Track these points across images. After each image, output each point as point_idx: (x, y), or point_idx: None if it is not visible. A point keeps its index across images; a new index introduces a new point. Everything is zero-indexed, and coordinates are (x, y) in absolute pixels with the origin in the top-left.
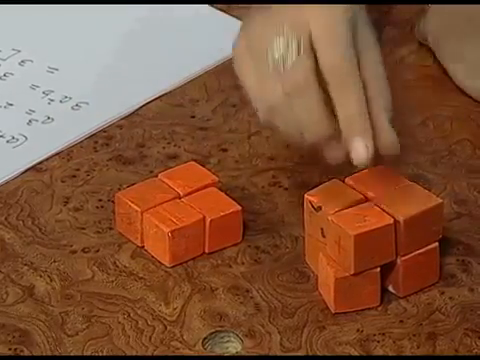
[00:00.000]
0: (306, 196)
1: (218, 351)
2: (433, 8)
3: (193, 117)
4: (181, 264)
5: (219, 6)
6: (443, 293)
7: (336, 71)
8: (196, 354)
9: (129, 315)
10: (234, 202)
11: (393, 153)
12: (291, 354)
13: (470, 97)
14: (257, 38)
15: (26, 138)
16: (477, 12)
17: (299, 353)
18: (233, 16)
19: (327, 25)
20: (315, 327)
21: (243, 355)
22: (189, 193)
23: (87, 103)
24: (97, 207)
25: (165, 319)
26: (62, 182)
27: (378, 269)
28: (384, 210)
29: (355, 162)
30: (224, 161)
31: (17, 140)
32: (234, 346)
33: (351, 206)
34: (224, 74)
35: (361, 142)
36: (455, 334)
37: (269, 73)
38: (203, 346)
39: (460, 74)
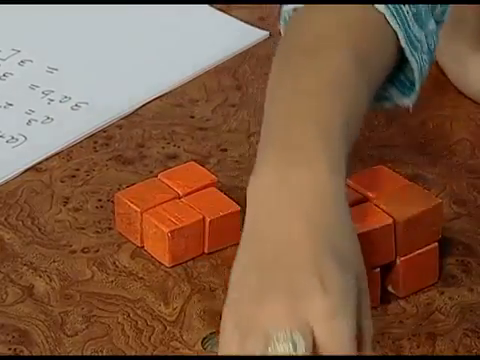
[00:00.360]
0: None
1: (217, 351)
2: None
3: (193, 117)
4: (181, 264)
5: (219, 6)
6: (443, 293)
7: None
8: (196, 354)
9: (129, 315)
10: (233, 202)
11: None
12: None
13: (468, 98)
14: (255, 328)
15: (26, 138)
16: (475, 13)
17: None
18: (233, 16)
19: (330, 333)
20: None
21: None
22: (189, 193)
23: (87, 103)
24: (97, 207)
25: (165, 319)
26: (62, 182)
27: (378, 269)
28: (383, 210)
29: None
30: (224, 161)
31: (17, 140)
32: None
33: (350, 206)
34: (224, 74)
35: None
36: (455, 334)
37: None
38: (203, 346)
39: (458, 75)
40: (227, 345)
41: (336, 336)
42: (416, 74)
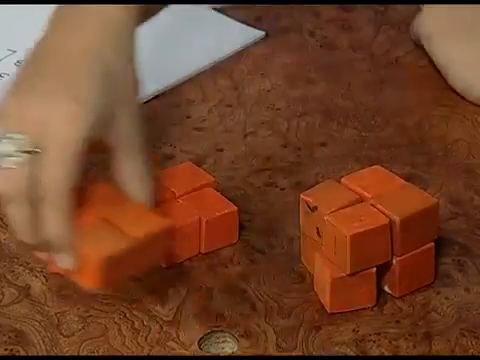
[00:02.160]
0: (302, 196)
1: (214, 351)
2: (426, 9)
3: (189, 117)
4: (177, 264)
5: (214, 6)
6: (439, 293)
7: (52, 190)
8: (192, 354)
9: (125, 315)
10: (230, 202)
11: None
12: (287, 354)
13: (463, 97)
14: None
15: None
16: (470, 12)
17: (295, 353)
18: (229, 16)
19: (61, 145)
20: (311, 327)
21: (239, 355)
22: (185, 193)
23: None
24: None
25: (161, 319)
26: None
27: (374, 269)
28: (380, 210)
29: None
30: (220, 161)
31: None
32: (230, 346)
33: (347, 206)
34: (220, 74)
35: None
36: (451, 334)
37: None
38: (199, 346)
39: (453, 74)
40: None
41: (61, 140)
42: None
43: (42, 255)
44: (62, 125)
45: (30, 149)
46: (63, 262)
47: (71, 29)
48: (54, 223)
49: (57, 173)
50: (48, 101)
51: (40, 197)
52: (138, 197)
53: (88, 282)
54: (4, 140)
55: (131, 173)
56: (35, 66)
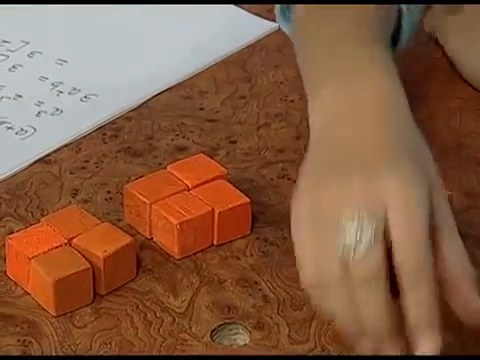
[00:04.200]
0: None
1: (226, 343)
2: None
3: (202, 109)
4: (189, 256)
5: None
6: None
7: (412, 270)
8: (204, 346)
9: (138, 307)
10: (243, 194)
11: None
12: (299, 346)
13: (477, 90)
14: (327, 212)
15: (35, 130)
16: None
17: (307, 346)
18: (243, 8)
19: (405, 208)
20: (324, 319)
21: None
22: (198, 185)
23: (96, 95)
24: (106, 199)
25: (174, 311)
26: (71, 174)
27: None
28: None
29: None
30: (233, 153)
31: (26, 132)
32: (242, 338)
33: None
34: (233, 66)
35: (430, 337)
36: (464, 327)
37: (332, 253)
38: (211, 338)
39: (468, 67)
40: (300, 235)
41: (410, 211)
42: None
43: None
44: (403, 192)
45: (375, 235)
46: (428, 346)
47: (350, 124)
48: (420, 297)
49: (412, 255)
50: (376, 174)
51: (363, 278)
52: (465, 276)
53: (48, 305)
54: (347, 233)
55: (455, 252)
56: (335, 157)
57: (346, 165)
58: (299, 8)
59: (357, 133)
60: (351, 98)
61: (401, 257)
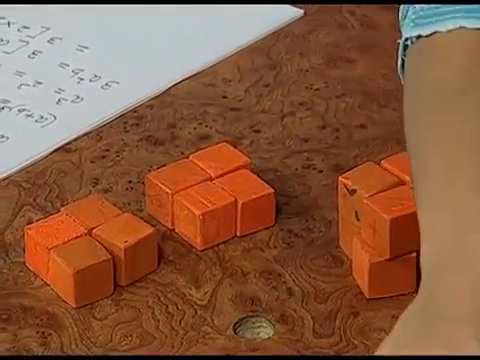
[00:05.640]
0: (340, 179)
1: (249, 336)
2: None
3: (225, 97)
4: (212, 247)
5: None
6: None
7: None
8: (227, 339)
9: (159, 299)
10: (267, 184)
11: None
12: (324, 340)
13: None
14: None
15: (55, 117)
16: None
17: (332, 339)
18: None
19: None
20: (349, 312)
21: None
22: (221, 175)
23: (117, 82)
24: (127, 189)
25: (196, 303)
26: (91, 163)
27: (414, 254)
28: None
29: None
30: (257, 142)
31: (46, 119)
32: (266, 331)
33: (386, 190)
34: (257, 53)
35: None
36: None
37: None
38: (234, 331)
39: None
40: None
41: None
42: None
43: None
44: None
45: None
46: None
47: (458, 272)
48: None
49: None
50: (454, 348)
51: None
52: None
53: (68, 297)
54: None
55: None
56: (432, 313)
57: (429, 328)
58: None
59: (460, 284)
60: (464, 249)
61: None
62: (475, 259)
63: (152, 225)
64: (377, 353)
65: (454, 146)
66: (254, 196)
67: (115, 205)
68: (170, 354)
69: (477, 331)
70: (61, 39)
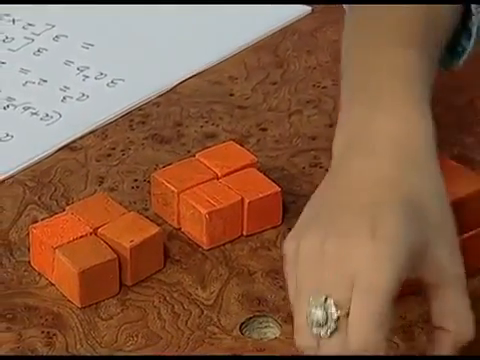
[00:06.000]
0: None
1: (256, 337)
2: None
3: (232, 95)
4: (218, 247)
5: None
6: None
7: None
8: (233, 340)
9: (165, 299)
10: (273, 183)
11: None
12: None
13: None
14: (303, 277)
15: (60, 115)
16: None
17: None
18: None
19: (365, 298)
20: None
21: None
22: (227, 174)
23: (123, 80)
24: (132, 187)
25: (202, 303)
26: (97, 161)
27: None
28: None
29: None
30: (263, 141)
31: (51, 117)
32: (273, 331)
33: None
34: (264, 51)
35: None
36: None
37: (305, 323)
38: (241, 331)
39: None
40: (288, 286)
41: (369, 301)
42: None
43: None
44: (370, 272)
45: (338, 313)
46: None
47: (363, 156)
48: None
49: (365, 334)
50: (351, 243)
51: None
52: (463, 330)
53: (73, 297)
54: (314, 307)
55: (454, 308)
56: (330, 200)
57: (331, 216)
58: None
59: (362, 172)
60: (371, 130)
61: (353, 338)
62: (380, 141)
63: (158, 224)
64: (293, 229)
65: (373, 32)
66: (261, 195)
67: (121, 204)
68: (176, 354)
69: (371, 221)
70: (66, 36)
